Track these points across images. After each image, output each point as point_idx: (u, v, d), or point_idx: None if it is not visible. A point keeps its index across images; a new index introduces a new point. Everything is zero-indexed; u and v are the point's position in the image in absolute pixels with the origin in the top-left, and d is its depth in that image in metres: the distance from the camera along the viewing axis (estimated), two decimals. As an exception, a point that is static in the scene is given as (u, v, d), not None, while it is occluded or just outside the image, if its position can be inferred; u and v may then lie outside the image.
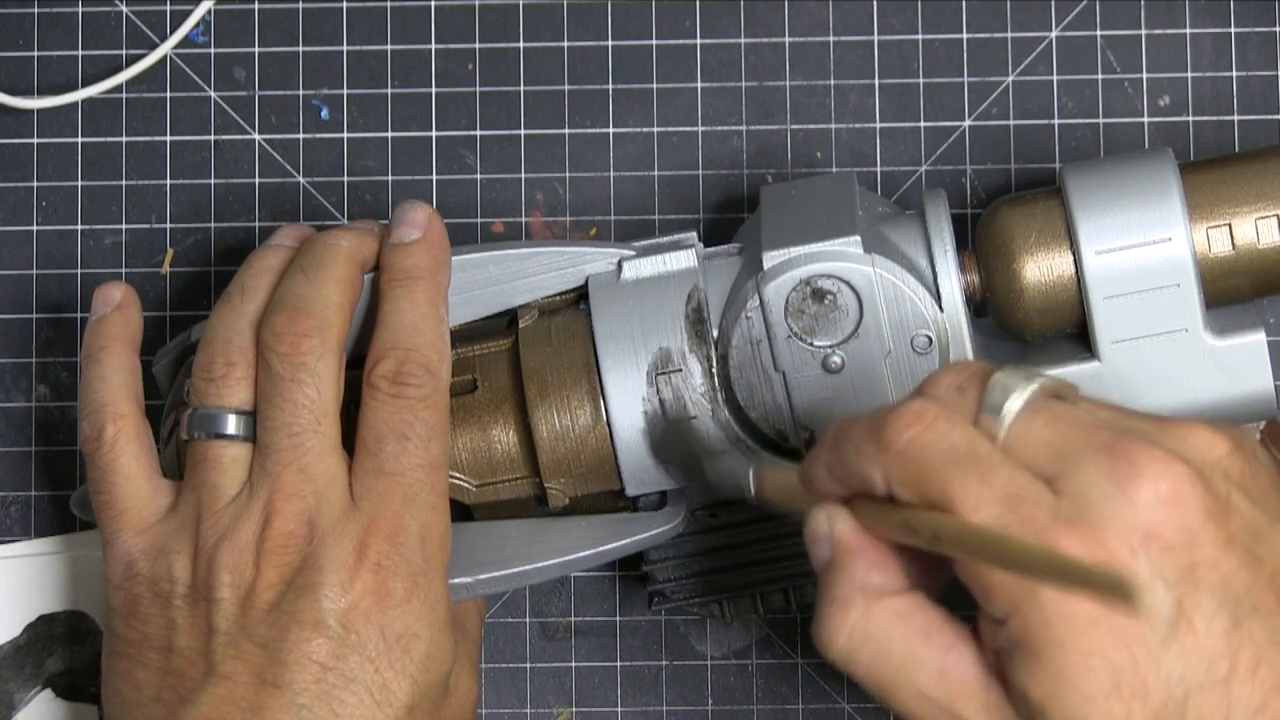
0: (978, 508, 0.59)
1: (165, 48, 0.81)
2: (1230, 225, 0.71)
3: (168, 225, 0.81)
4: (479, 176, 0.81)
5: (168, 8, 0.81)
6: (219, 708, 0.67)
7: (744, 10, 0.81)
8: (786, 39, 0.81)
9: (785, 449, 0.72)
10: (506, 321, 0.74)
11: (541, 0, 0.81)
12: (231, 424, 0.70)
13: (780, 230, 0.72)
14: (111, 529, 0.71)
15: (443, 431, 0.70)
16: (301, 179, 0.81)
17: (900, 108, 0.80)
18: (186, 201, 0.81)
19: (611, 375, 0.72)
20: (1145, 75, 0.80)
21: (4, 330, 0.81)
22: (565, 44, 0.81)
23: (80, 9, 0.81)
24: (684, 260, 0.73)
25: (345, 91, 0.81)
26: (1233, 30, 0.80)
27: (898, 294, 0.70)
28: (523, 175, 0.81)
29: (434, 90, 0.81)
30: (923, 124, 0.80)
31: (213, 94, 0.81)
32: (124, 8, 0.81)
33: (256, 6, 0.81)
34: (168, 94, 0.81)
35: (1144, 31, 0.80)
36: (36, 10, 0.81)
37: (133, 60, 0.81)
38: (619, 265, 0.73)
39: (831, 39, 0.81)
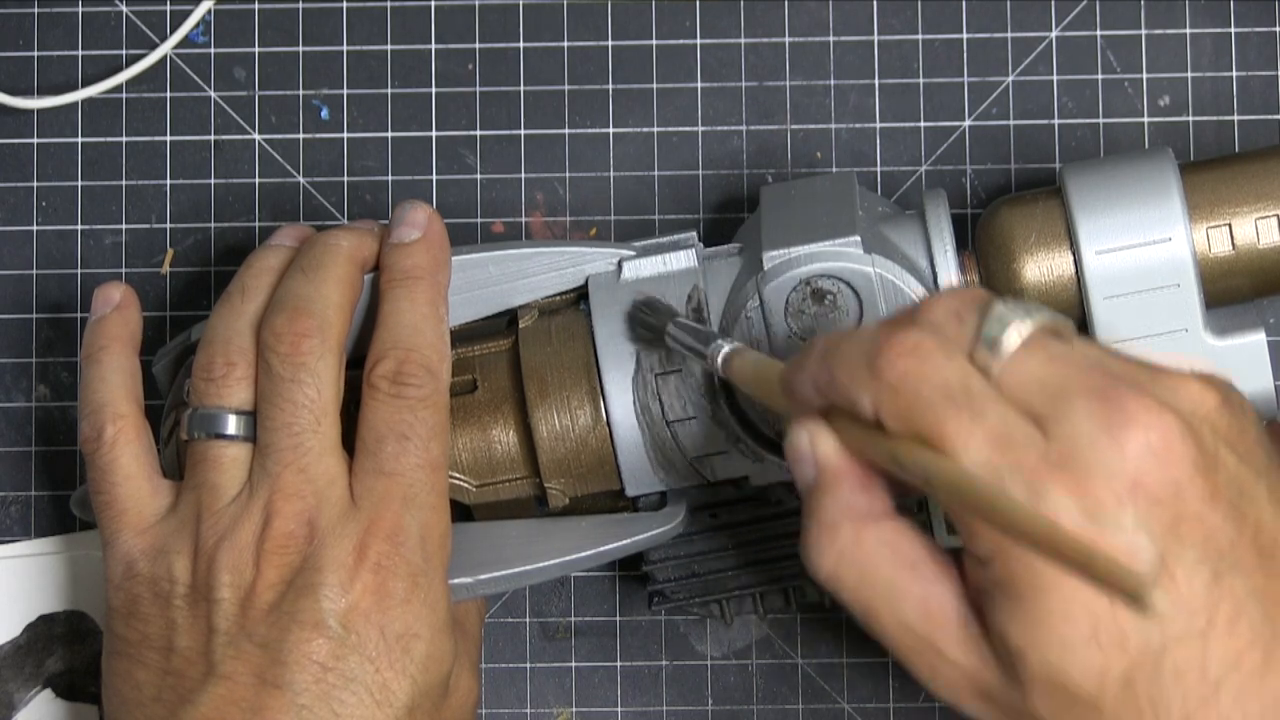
0: (968, 447, 0.59)
1: (165, 48, 0.81)
2: (1230, 225, 0.71)
3: (168, 225, 0.81)
4: (479, 176, 0.81)
5: (168, 8, 0.81)
6: (219, 708, 0.67)
7: (744, 10, 0.81)
8: (786, 39, 0.81)
9: (783, 449, 0.72)
10: (506, 321, 0.74)
11: (541, 0, 0.81)
12: (231, 424, 0.70)
13: (780, 230, 0.72)
14: (111, 529, 0.71)
15: (443, 431, 0.70)
16: (301, 179, 0.81)
17: (900, 108, 0.80)
18: (186, 201, 0.81)
19: (611, 375, 0.72)
20: (1145, 75, 0.80)
21: (4, 330, 0.81)
22: (565, 44, 0.81)
23: (80, 9, 0.81)
24: (684, 260, 0.73)
25: (345, 91, 0.81)
26: (1233, 30, 0.80)
27: (898, 294, 0.70)
28: (523, 175, 0.81)
29: (434, 90, 0.81)
30: (923, 124, 0.80)
31: (213, 94, 0.81)
32: (124, 8, 0.81)
33: (256, 6, 0.81)
34: (168, 94, 0.81)
35: (1144, 31, 0.80)
36: (36, 10, 0.81)
37: (133, 60, 0.81)
38: (619, 265, 0.73)
39: (831, 39, 0.81)
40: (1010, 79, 0.80)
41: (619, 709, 0.80)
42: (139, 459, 0.72)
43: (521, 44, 0.81)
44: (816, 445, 0.63)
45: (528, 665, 0.80)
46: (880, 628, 0.62)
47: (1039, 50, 0.80)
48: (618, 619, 0.80)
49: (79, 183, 0.81)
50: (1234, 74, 0.80)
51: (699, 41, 0.81)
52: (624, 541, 0.72)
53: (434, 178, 0.81)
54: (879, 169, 0.80)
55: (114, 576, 0.71)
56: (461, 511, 0.73)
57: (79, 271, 0.81)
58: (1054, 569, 0.57)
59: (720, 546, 0.74)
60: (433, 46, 0.81)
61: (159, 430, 0.74)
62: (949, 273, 0.71)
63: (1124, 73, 0.80)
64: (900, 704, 0.80)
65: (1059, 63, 0.80)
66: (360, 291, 0.72)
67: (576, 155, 0.81)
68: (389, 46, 0.81)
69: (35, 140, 0.81)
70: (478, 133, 0.81)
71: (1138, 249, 0.71)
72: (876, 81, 0.80)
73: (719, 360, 0.67)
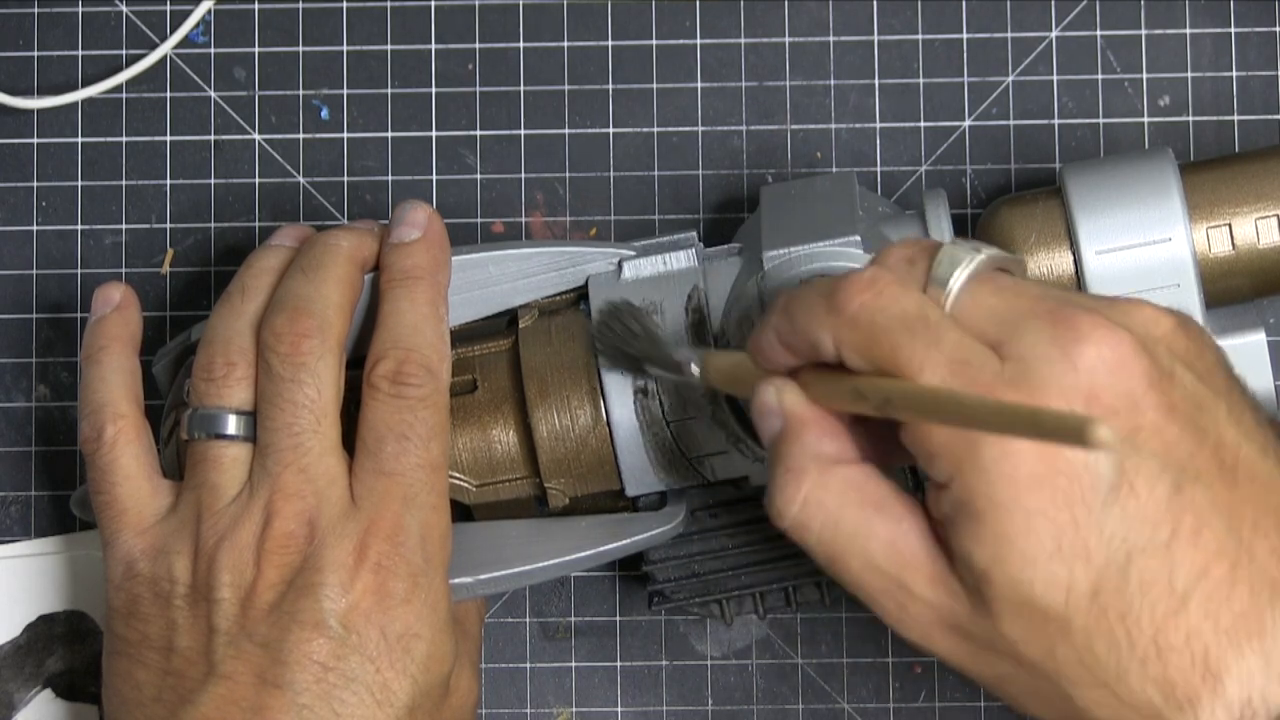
0: (924, 370, 0.60)
1: (165, 48, 0.81)
2: (1230, 225, 0.71)
3: (168, 225, 0.81)
4: (479, 176, 0.81)
5: (168, 8, 0.81)
6: (219, 708, 0.67)
7: (744, 10, 0.81)
8: (786, 39, 0.81)
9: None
10: (506, 321, 0.74)
11: (541, 0, 0.81)
12: (232, 424, 0.70)
13: (780, 230, 0.72)
14: (111, 529, 0.71)
15: (443, 431, 0.70)
16: (301, 179, 0.81)
17: (900, 108, 0.80)
18: (186, 201, 0.81)
19: (611, 375, 0.72)
20: (1145, 75, 0.80)
21: (4, 330, 0.81)
22: (565, 44, 0.81)
23: (80, 9, 0.81)
24: (684, 260, 0.73)
25: (345, 91, 0.81)
26: (1233, 30, 0.80)
27: (898, 294, 0.70)
28: (523, 175, 0.81)
29: (434, 90, 0.81)
30: (923, 124, 0.80)
31: (213, 94, 0.81)
32: (124, 8, 0.81)
33: (256, 6, 0.81)
34: (168, 94, 0.81)
35: (1144, 31, 0.80)
36: (36, 10, 0.81)
37: (133, 60, 0.81)
38: (619, 265, 0.73)
39: (831, 39, 0.81)
40: (1010, 79, 0.80)
41: (619, 709, 0.80)
42: (139, 459, 0.72)
43: (521, 44, 0.81)
44: (783, 396, 0.64)
45: (528, 665, 0.80)
46: (847, 571, 0.63)
47: (1039, 50, 0.80)
48: (618, 619, 0.80)
49: (79, 183, 0.81)
50: (1234, 74, 0.80)
51: (699, 41, 0.81)
52: (624, 541, 0.72)
53: (434, 178, 0.81)
54: (879, 169, 0.80)
55: (114, 576, 0.71)
56: (462, 511, 0.73)
57: (79, 271, 0.81)
58: (1012, 484, 0.58)
59: (720, 546, 0.74)
60: (433, 46, 0.81)
61: (159, 430, 0.74)
62: (949, 273, 0.71)
63: (1124, 73, 0.80)
64: (900, 704, 0.80)
65: (1059, 63, 0.80)
66: (360, 291, 0.72)
67: (576, 155, 0.81)
68: (389, 46, 0.81)
69: (35, 140, 0.81)
70: (478, 133, 0.81)
71: (1138, 249, 0.71)
72: (876, 81, 0.80)
73: (695, 371, 0.68)
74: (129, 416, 0.72)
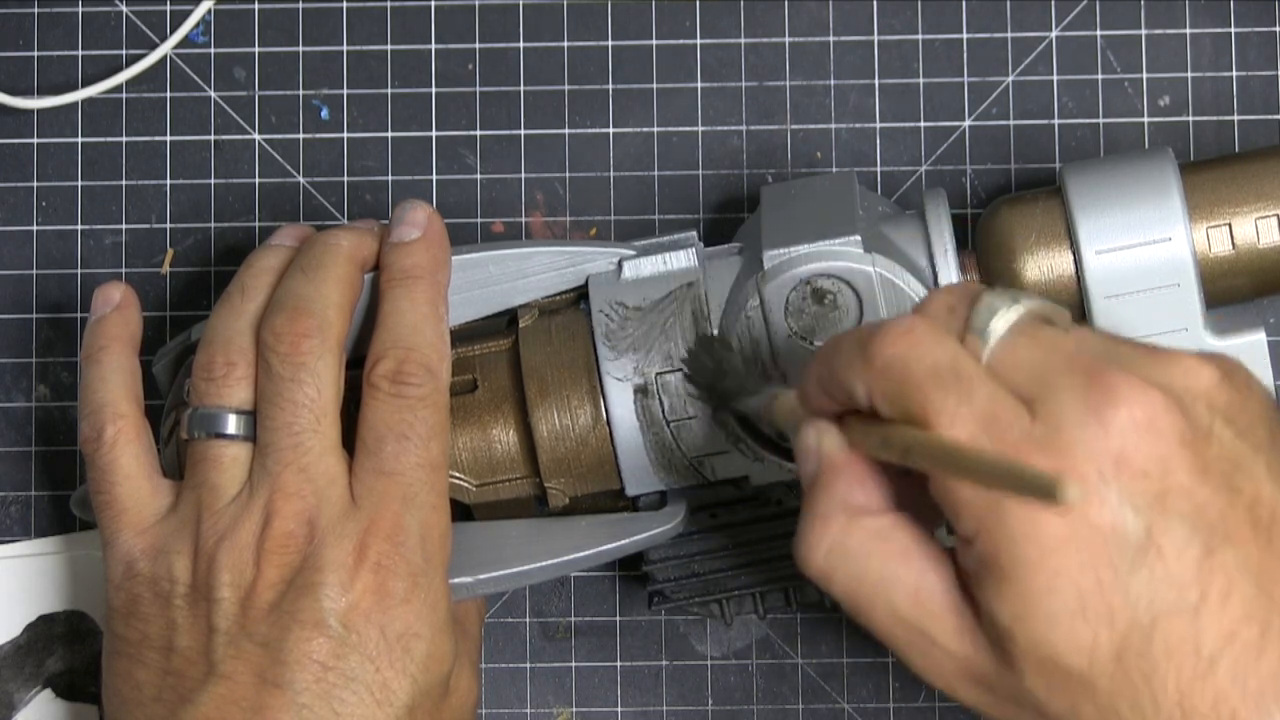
0: (953, 425, 0.59)
1: (165, 48, 0.81)
2: (1230, 225, 0.71)
3: (168, 225, 0.81)
4: (479, 176, 0.81)
5: (168, 8, 0.81)
6: (220, 707, 0.67)
7: (744, 10, 0.81)
8: (786, 39, 0.81)
9: (785, 448, 0.72)
10: (506, 321, 0.74)
11: (541, 0, 0.81)
12: (231, 424, 0.70)
13: (780, 230, 0.72)
14: (111, 529, 0.71)
15: (442, 431, 0.70)
16: (301, 179, 0.81)
17: (900, 108, 0.80)
18: (186, 201, 0.81)
19: (611, 375, 0.72)
20: (1145, 75, 0.80)
21: (4, 330, 0.81)
22: (565, 44, 0.81)
23: (80, 9, 0.81)
24: (684, 260, 0.73)
25: (345, 91, 0.81)
26: (1233, 30, 0.80)
27: (898, 294, 0.71)
28: (523, 175, 0.81)
29: (434, 90, 0.81)
30: (923, 124, 0.80)
31: (213, 94, 0.81)
32: (124, 8, 0.81)
33: (256, 6, 0.81)
34: (168, 94, 0.81)
35: (1144, 31, 0.80)
36: (36, 10, 0.81)
37: (133, 60, 0.81)
38: (619, 265, 0.73)
39: (831, 39, 0.81)
40: (1010, 79, 0.80)
41: (619, 709, 0.80)
42: (139, 459, 0.72)
43: (521, 44, 0.81)
44: (821, 440, 0.63)
45: (528, 665, 0.80)
46: (873, 619, 0.62)
47: (1039, 50, 0.80)
48: (618, 619, 0.80)
49: (79, 183, 0.81)
50: (1234, 74, 0.80)
51: (699, 41, 0.81)
52: (624, 541, 0.72)
53: (434, 178, 0.81)
54: (879, 169, 0.80)
55: (114, 576, 0.71)
56: (461, 511, 0.73)
57: (79, 271, 0.81)
58: (1036, 544, 0.58)
59: (720, 546, 0.74)
60: (433, 46, 0.81)
61: (159, 430, 0.74)
62: (949, 272, 0.71)
63: (1124, 73, 0.80)
64: (900, 704, 0.80)
65: (1059, 63, 0.80)
66: (360, 291, 0.72)
67: (576, 155, 0.81)
68: (389, 46, 0.81)
69: (35, 140, 0.81)
70: (478, 133, 0.81)
71: (1138, 249, 0.71)
72: (876, 81, 0.80)
73: (767, 410, 0.68)
74: (129, 416, 0.72)
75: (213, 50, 0.81)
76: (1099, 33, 0.80)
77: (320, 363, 0.70)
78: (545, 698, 0.80)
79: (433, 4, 0.81)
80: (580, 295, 0.74)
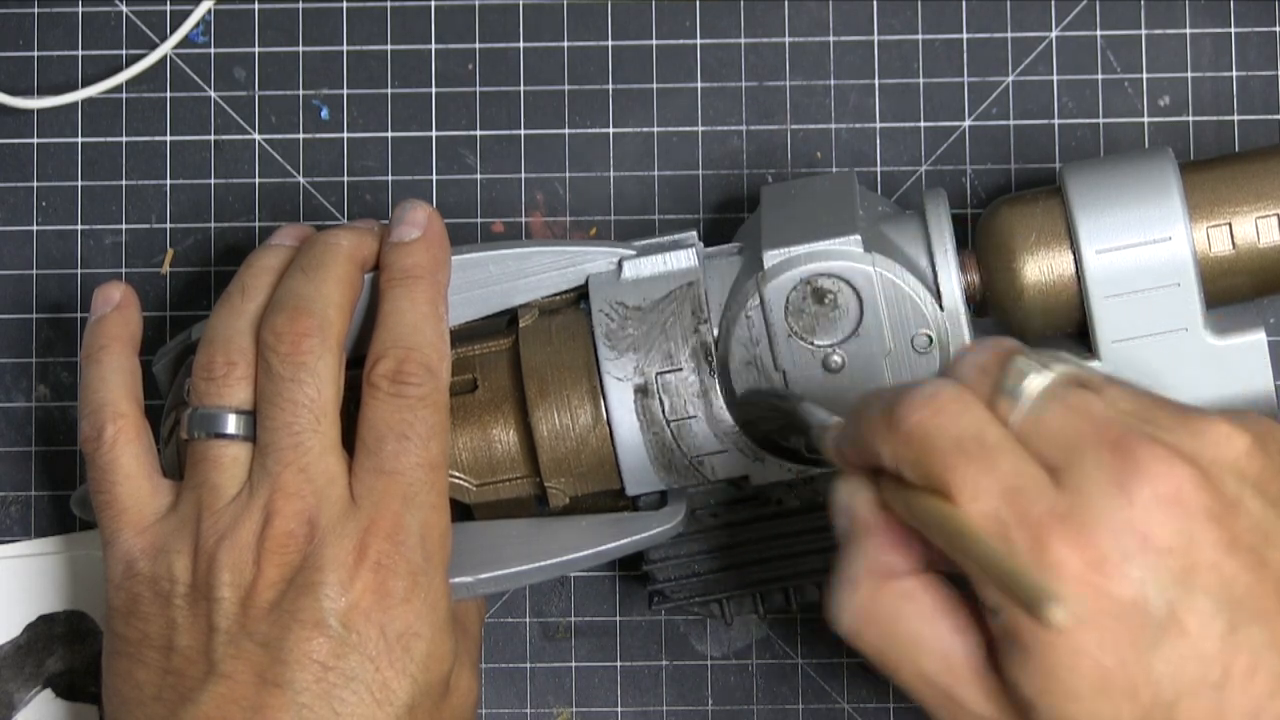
0: (976, 497, 0.59)
1: (165, 48, 0.81)
2: (1230, 224, 0.71)
3: (168, 225, 0.81)
4: (479, 176, 0.81)
5: (168, 8, 0.81)
6: (220, 707, 0.67)
7: (744, 10, 0.81)
8: (786, 39, 0.81)
9: (784, 448, 0.72)
10: (506, 321, 0.74)
11: (541, 0, 0.81)
12: (231, 423, 0.70)
13: (780, 229, 0.72)
14: (111, 528, 0.71)
15: (442, 430, 0.70)
16: (301, 179, 0.81)
17: (900, 108, 0.80)
18: (186, 201, 0.81)
19: (611, 374, 0.72)
20: (1145, 75, 0.80)
21: (4, 330, 0.81)
22: (565, 44, 0.81)
23: (80, 9, 0.81)
24: (684, 260, 0.73)
25: (345, 91, 0.81)
26: (1233, 30, 0.80)
27: (898, 293, 0.70)
28: (523, 175, 0.81)
29: (434, 90, 0.81)
30: (923, 124, 0.80)
31: (213, 94, 0.81)
32: (124, 8, 0.81)
33: (256, 6, 0.81)
34: (168, 94, 0.81)
35: (1144, 31, 0.80)
36: (36, 10, 0.81)
37: (133, 60, 0.81)
38: (619, 264, 0.73)
39: (831, 39, 0.81)
40: (1010, 79, 0.80)
41: (619, 709, 0.80)
42: (139, 458, 0.72)
43: (521, 44, 0.81)
44: (854, 499, 0.63)
45: (528, 665, 0.80)
46: (901, 679, 0.62)
47: (1039, 50, 0.80)
48: (618, 619, 0.80)
49: (79, 183, 0.81)
50: (1234, 74, 0.80)
51: (699, 41, 0.81)
52: (624, 541, 0.72)
53: (434, 178, 0.81)
54: (879, 169, 0.80)
55: (114, 576, 0.71)
56: (462, 511, 0.73)
57: (79, 271, 0.81)
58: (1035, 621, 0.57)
59: (720, 546, 0.74)
60: (433, 46, 0.81)
61: (159, 430, 0.74)
62: (949, 272, 0.71)
63: (1124, 73, 0.80)
64: (900, 704, 0.80)
65: (1059, 63, 0.80)
66: (360, 291, 0.72)
67: (576, 155, 0.81)
68: (389, 46, 0.81)
69: (35, 140, 0.81)
70: (478, 133, 0.81)
71: (1138, 248, 0.71)
72: (876, 81, 0.80)
73: (817, 440, 0.68)
74: (129, 416, 0.72)
75: (213, 50, 0.81)
76: (1099, 33, 0.80)
77: (320, 362, 0.70)
78: (545, 698, 0.80)
79: (433, 4, 0.81)
80: (580, 295, 0.74)
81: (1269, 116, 0.80)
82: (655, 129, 0.81)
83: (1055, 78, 0.80)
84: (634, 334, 0.72)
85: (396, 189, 0.81)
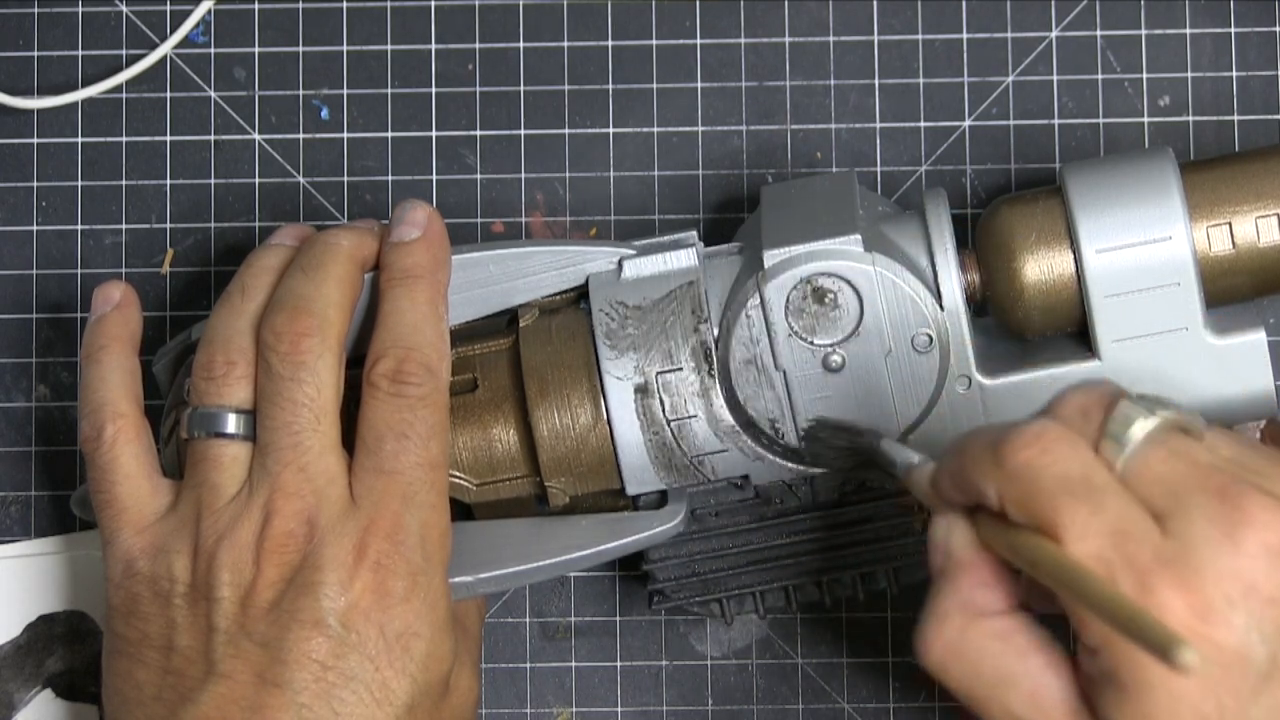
0: (1083, 538, 0.59)
1: (165, 48, 0.81)
2: (1230, 224, 0.71)
3: (168, 225, 0.81)
4: (479, 176, 0.81)
5: (168, 8, 0.81)
6: (219, 706, 0.67)
7: (744, 10, 0.81)
8: (786, 39, 0.81)
9: (784, 448, 0.72)
10: (507, 321, 0.74)
11: (541, 0, 0.81)
12: (231, 423, 0.70)
13: (781, 229, 0.72)
14: (111, 528, 0.71)
15: (442, 430, 0.70)
16: (301, 179, 0.81)
17: (900, 108, 0.80)
18: (186, 201, 0.81)
19: (612, 374, 0.72)
20: (1145, 75, 0.80)
21: (4, 330, 0.81)
22: (565, 44, 0.81)
23: (80, 9, 0.81)
24: (684, 259, 0.73)
25: (345, 91, 0.81)
26: (1233, 30, 0.80)
27: (898, 293, 0.70)
28: (523, 175, 0.81)
29: (434, 90, 0.81)
30: (923, 124, 0.80)
31: (213, 94, 0.81)
32: (124, 8, 0.81)
33: (256, 6, 0.81)
34: (168, 94, 0.81)
35: (1144, 31, 0.80)
36: (36, 10, 0.81)
37: (133, 60, 0.81)
38: (619, 264, 0.73)
39: (831, 39, 0.81)
40: (1010, 79, 0.80)
41: (619, 709, 0.80)
42: (139, 458, 0.72)
43: (521, 44, 0.81)
44: (950, 536, 0.63)
45: (528, 665, 0.80)
46: (988, 717, 0.62)
47: (1039, 50, 0.80)
48: (618, 619, 0.80)
49: (79, 183, 0.81)
50: (1234, 74, 0.80)
51: (699, 41, 0.81)
52: (624, 540, 0.72)
53: (434, 178, 0.81)
54: (879, 169, 0.80)
55: (114, 575, 0.71)
56: (462, 510, 0.73)
57: (79, 271, 0.81)
58: (1160, 666, 0.57)
59: (720, 546, 0.74)
60: (433, 46, 0.81)
61: (159, 430, 0.74)
62: (949, 271, 0.71)
63: (1124, 73, 0.80)
64: (900, 704, 0.80)
65: (1059, 63, 0.80)
66: (360, 290, 0.72)
67: (576, 155, 0.81)
68: (389, 46, 0.81)
69: (35, 140, 0.81)
70: (478, 133, 0.81)
71: (1138, 248, 0.71)
72: (876, 81, 0.80)
73: (903, 476, 0.68)
74: (129, 415, 0.72)
75: (213, 50, 0.81)
76: (1099, 33, 0.80)
77: (320, 362, 0.70)
78: (545, 698, 0.80)
79: (433, 4, 0.81)
80: (580, 295, 0.74)
81: (1269, 116, 0.80)
82: (655, 129, 0.81)
83: (1055, 78, 0.80)
84: (634, 333, 0.72)
85: (396, 189, 0.81)
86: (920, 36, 0.80)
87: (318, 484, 0.69)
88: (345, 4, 0.81)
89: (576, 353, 0.72)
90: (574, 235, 0.81)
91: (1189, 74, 0.80)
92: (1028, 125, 0.80)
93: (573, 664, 0.80)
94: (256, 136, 0.81)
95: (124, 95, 0.81)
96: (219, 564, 0.69)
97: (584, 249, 0.74)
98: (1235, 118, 0.80)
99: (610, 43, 0.81)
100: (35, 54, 0.81)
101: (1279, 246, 0.71)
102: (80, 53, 0.81)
